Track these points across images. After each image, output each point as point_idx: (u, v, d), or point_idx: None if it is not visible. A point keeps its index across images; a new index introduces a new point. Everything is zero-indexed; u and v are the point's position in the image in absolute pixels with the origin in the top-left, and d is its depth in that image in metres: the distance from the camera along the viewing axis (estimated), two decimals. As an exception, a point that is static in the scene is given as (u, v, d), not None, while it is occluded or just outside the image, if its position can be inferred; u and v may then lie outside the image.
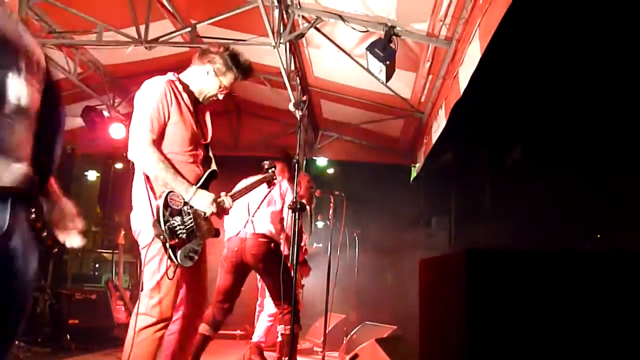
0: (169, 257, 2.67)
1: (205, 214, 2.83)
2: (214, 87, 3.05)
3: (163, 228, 2.63)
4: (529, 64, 11.16)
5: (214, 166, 3.05)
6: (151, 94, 2.81)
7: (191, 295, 2.96)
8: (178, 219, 2.69)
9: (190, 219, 2.75)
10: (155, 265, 2.73)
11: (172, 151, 2.83)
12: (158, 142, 2.80)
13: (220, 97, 3.13)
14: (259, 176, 3.71)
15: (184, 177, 2.79)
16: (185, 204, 2.75)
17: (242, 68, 3.07)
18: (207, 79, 3.03)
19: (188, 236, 2.72)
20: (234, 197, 3.13)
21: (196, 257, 2.77)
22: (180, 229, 2.69)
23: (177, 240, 2.66)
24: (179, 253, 2.68)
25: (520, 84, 11.38)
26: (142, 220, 2.79)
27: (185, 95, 2.94)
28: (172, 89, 2.88)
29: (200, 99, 3.07)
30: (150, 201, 2.71)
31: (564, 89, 10.98)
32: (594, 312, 1.78)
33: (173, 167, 2.77)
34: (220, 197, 2.98)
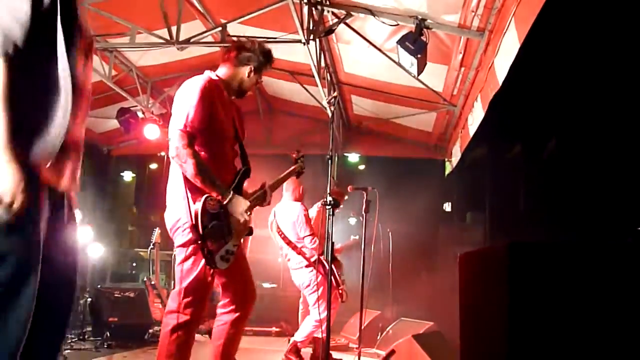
0: (207, 262, 2.71)
1: (238, 219, 2.86)
2: (252, 84, 3.18)
3: (202, 234, 2.66)
4: (570, 53, 10.89)
5: (248, 164, 3.07)
6: (192, 92, 2.84)
7: (239, 287, 2.99)
8: (215, 223, 2.73)
9: (226, 222, 2.78)
10: (189, 265, 2.77)
11: (212, 148, 2.87)
12: (199, 140, 2.83)
13: (250, 92, 3.27)
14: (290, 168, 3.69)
15: (220, 181, 2.82)
16: (222, 207, 2.78)
17: (272, 61, 3.19)
18: (246, 77, 3.12)
19: (225, 238, 2.76)
20: (272, 188, 3.22)
21: (232, 258, 2.80)
22: (217, 233, 2.73)
23: (215, 245, 2.70)
24: (216, 257, 2.72)
25: (560, 75, 11.12)
26: (178, 220, 2.82)
27: (222, 95, 3.00)
28: (212, 87, 2.92)
29: (237, 96, 3.16)
30: (188, 203, 2.75)
31: (603, 81, 10.69)
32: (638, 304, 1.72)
33: (211, 169, 2.80)
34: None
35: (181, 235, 2.81)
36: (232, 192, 2.82)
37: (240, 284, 3.00)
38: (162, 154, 8.35)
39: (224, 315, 2.97)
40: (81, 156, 1.76)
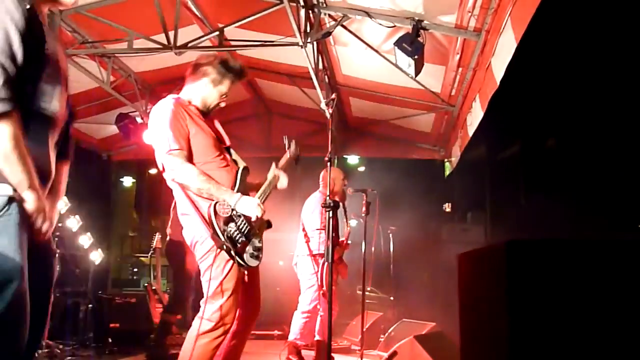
0: (239, 264, 2.77)
1: (251, 218, 2.87)
2: (215, 97, 3.12)
3: (223, 239, 2.70)
4: (569, 52, 10.88)
5: (243, 163, 3.10)
6: (164, 115, 2.88)
7: (245, 299, 3.00)
8: (232, 225, 2.75)
9: (242, 221, 2.82)
10: (214, 273, 2.79)
11: (202, 160, 2.90)
12: (189, 156, 2.85)
13: (223, 104, 3.18)
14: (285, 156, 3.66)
15: (223, 185, 2.85)
16: (233, 209, 2.80)
17: (235, 71, 3.12)
18: (206, 91, 3.09)
19: (247, 237, 2.80)
20: (283, 169, 3.32)
21: (261, 254, 2.88)
22: (238, 234, 2.76)
23: (239, 246, 2.74)
24: (245, 257, 2.78)
25: (558, 74, 11.11)
26: (196, 233, 2.85)
27: (192, 108, 3.04)
28: (180, 105, 2.95)
29: (205, 111, 3.13)
30: (200, 215, 2.78)
31: (601, 79, 10.69)
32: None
33: (211, 177, 2.82)
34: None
35: (200, 247, 2.84)
36: (238, 194, 2.84)
37: (246, 296, 3.01)
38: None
39: None
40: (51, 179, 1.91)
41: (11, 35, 1.59)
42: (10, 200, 1.60)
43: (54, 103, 1.77)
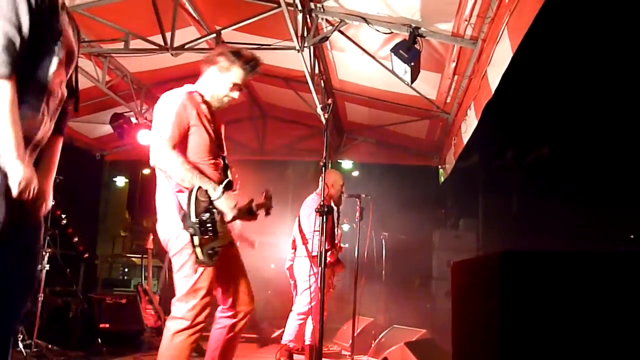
0: (195, 255, 2.69)
1: (226, 217, 2.82)
2: (223, 87, 3.03)
3: (194, 220, 2.64)
4: (564, 62, 10.95)
5: (230, 177, 3.05)
6: (170, 106, 2.85)
7: (238, 293, 3.00)
8: (207, 215, 2.71)
9: (214, 218, 2.75)
10: (188, 271, 2.76)
11: (195, 159, 2.86)
12: (180, 148, 2.82)
13: (235, 95, 3.07)
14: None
15: (209, 178, 2.82)
16: (211, 202, 2.75)
17: (245, 59, 3.02)
18: (214, 80, 3.03)
19: (214, 234, 2.73)
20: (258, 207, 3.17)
21: (216, 258, 2.76)
22: (209, 225, 2.70)
23: (205, 237, 2.68)
24: (204, 250, 2.69)
25: (553, 83, 11.18)
26: (170, 229, 2.83)
27: (203, 106, 2.97)
28: (191, 100, 2.91)
29: (216, 104, 3.07)
30: (178, 202, 2.74)
31: (596, 89, 10.76)
32: (633, 314, 1.73)
33: (197, 168, 2.79)
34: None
35: (175, 242, 2.80)
36: (222, 188, 2.79)
37: (239, 290, 3.01)
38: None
39: (222, 320, 2.99)
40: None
41: (19, 3, 1.63)
42: None
43: (53, 75, 1.78)
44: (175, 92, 2.93)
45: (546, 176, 11.89)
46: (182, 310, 2.75)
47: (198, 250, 2.68)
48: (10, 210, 1.64)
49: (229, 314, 2.98)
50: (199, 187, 2.71)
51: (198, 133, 2.88)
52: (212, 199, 2.75)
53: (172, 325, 2.75)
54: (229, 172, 3.06)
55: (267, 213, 3.19)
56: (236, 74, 3.02)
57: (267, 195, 3.20)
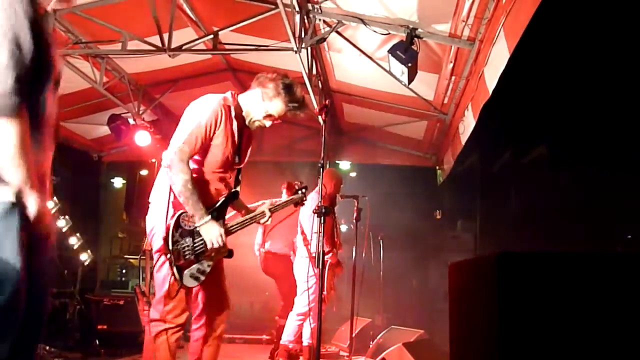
0: (173, 276, 2.71)
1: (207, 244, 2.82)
2: (259, 112, 3.02)
3: (171, 248, 2.68)
4: (561, 63, 10.97)
5: (237, 187, 3.08)
6: (204, 111, 2.85)
7: (210, 303, 3.00)
8: (189, 240, 2.74)
9: (200, 241, 2.79)
10: (166, 272, 2.78)
11: (205, 169, 2.90)
12: (195, 159, 2.85)
13: (267, 124, 3.07)
14: (287, 198, 3.74)
15: (202, 204, 2.80)
16: (196, 227, 2.79)
17: (293, 97, 3.02)
18: (254, 102, 3.02)
19: (197, 257, 2.77)
20: (271, 211, 3.21)
21: (202, 278, 2.80)
22: (188, 250, 2.74)
23: (183, 261, 2.72)
24: (185, 273, 2.73)
25: (550, 84, 11.20)
26: (156, 223, 2.85)
27: (234, 121, 2.96)
28: (224, 111, 2.89)
29: (247, 122, 3.06)
30: (167, 212, 2.77)
31: (592, 89, 10.78)
32: (630, 315, 1.74)
33: (198, 190, 2.78)
34: (230, 226, 2.99)
35: (157, 238, 2.83)
36: (209, 217, 2.80)
37: (212, 300, 3.01)
38: (153, 160, 8.32)
39: (196, 332, 3.02)
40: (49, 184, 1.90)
41: (22, 37, 1.60)
42: (13, 204, 1.59)
43: (51, 106, 1.77)
44: (213, 99, 2.92)
45: (544, 177, 11.90)
46: (161, 312, 2.78)
47: (176, 272, 2.71)
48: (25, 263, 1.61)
49: (200, 324, 3.00)
50: (182, 213, 2.74)
51: (219, 146, 2.89)
52: (196, 226, 2.77)
53: (153, 329, 2.77)
54: (238, 185, 3.08)
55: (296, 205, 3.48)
56: (277, 107, 3.02)
57: (301, 187, 3.52)
